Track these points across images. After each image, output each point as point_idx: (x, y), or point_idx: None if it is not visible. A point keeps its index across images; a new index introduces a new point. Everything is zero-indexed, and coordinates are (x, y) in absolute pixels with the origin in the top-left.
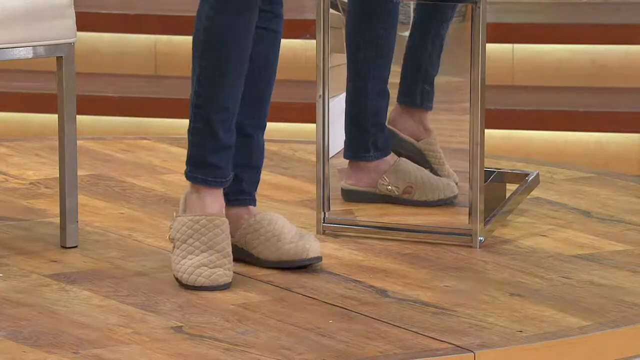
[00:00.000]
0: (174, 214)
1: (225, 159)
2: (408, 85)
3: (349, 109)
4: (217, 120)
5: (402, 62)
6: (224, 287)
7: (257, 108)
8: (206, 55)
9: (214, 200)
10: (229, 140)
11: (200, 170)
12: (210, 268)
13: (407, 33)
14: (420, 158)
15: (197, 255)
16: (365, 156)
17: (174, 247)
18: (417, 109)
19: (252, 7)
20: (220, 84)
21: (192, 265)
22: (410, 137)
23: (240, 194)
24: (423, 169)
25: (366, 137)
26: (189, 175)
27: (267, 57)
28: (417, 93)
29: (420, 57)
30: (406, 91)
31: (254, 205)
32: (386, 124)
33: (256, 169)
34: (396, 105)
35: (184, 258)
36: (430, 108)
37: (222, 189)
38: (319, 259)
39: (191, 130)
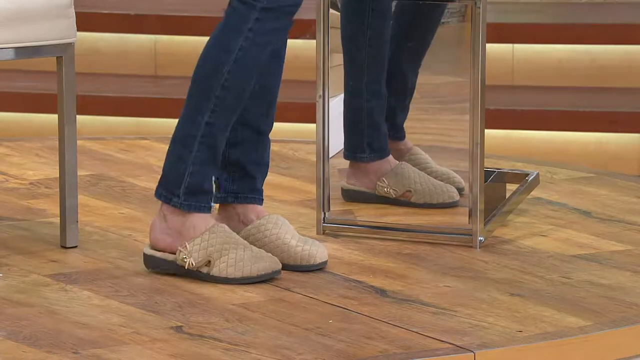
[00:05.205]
0: (175, 255)
1: (212, 184)
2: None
3: (345, 109)
4: (221, 146)
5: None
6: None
7: (269, 105)
8: (230, 86)
9: (206, 215)
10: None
11: (193, 197)
12: (262, 255)
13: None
14: None
15: (243, 251)
16: (361, 157)
17: (209, 265)
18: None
19: (283, 36)
20: (235, 113)
21: (251, 259)
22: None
23: (252, 192)
24: (424, 174)
25: (361, 138)
26: (184, 205)
27: (280, 55)
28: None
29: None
30: None
31: (261, 204)
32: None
33: (267, 166)
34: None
35: (234, 259)
36: (397, 138)
37: None
38: (325, 263)
39: (193, 160)
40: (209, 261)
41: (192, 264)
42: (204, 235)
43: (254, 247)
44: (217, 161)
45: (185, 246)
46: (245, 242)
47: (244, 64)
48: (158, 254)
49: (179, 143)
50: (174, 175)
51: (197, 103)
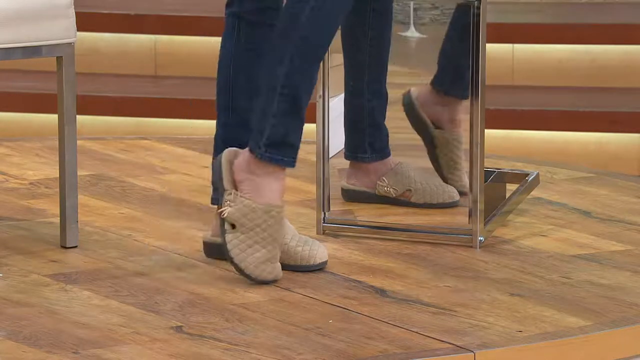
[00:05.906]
0: (229, 191)
1: (297, 136)
2: (443, 71)
3: (346, 109)
4: (305, 96)
5: (440, 46)
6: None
7: None
8: (315, 35)
9: (281, 185)
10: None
11: (276, 149)
12: (272, 263)
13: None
14: (430, 145)
15: (263, 247)
16: (362, 157)
17: (232, 227)
18: (447, 96)
19: None
20: (316, 67)
21: (259, 259)
22: (431, 120)
23: None
24: (425, 174)
25: (363, 138)
26: (265, 156)
27: None
28: (451, 80)
29: (459, 46)
30: (441, 76)
31: None
32: (411, 93)
33: None
34: (429, 86)
35: (250, 247)
36: (463, 97)
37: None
38: (325, 263)
39: (275, 112)
40: (234, 225)
41: (225, 213)
42: (254, 205)
43: (277, 251)
44: (300, 113)
45: (238, 195)
46: (276, 240)
47: (324, 15)
48: (225, 172)
49: (263, 96)
50: (259, 127)
51: (280, 50)
